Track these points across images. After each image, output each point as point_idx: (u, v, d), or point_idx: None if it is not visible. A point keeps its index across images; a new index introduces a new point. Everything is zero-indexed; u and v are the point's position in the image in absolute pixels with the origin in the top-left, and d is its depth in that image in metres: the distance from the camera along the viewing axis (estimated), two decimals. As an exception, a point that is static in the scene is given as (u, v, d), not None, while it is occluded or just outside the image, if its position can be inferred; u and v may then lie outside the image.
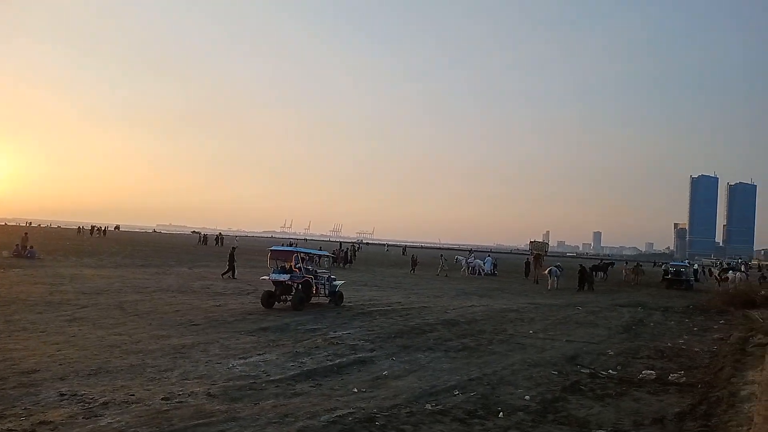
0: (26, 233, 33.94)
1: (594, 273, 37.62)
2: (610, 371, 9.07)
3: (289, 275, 15.17)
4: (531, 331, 13.01)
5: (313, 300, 15.89)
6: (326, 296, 16.17)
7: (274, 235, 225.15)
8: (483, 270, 38.37)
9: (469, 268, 38.23)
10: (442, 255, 42.94)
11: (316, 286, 15.87)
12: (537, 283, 33.89)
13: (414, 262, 38.15)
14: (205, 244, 68.12)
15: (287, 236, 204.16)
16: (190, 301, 15.33)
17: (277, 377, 7.61)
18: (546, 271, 30.75)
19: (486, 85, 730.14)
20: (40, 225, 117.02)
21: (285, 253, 16.68)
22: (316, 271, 16.66)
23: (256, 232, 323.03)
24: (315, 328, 11.82)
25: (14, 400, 6.06)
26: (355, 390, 7.19)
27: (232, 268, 24.52)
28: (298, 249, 17.81)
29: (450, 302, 18.86)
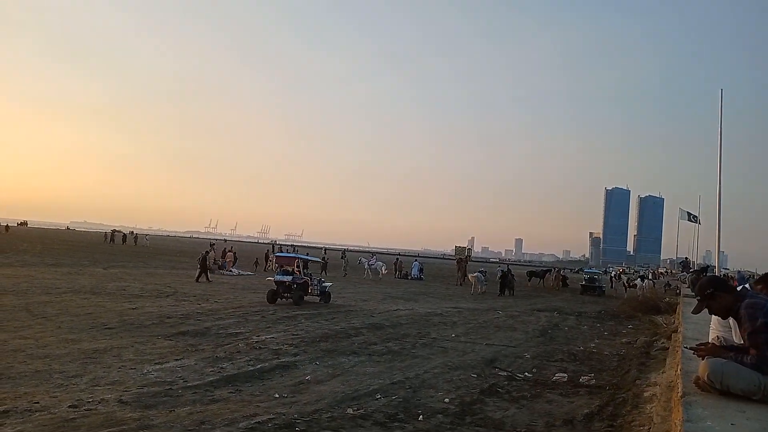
0: None
1: (530, 278, 39.99)
2: (526, 374, 9.44)
3: (291, 277, 17.96)
4: (453, 335, 13.32)
5: (306, 298, 18.16)
6: (317, 295, 18.73)
7: (198, 236, 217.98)
8: (382, 272, 38.05)
9: (370, 270, 38.22)
10: (344, 256, 43.13)
11: (310, 286, 18.51)
12: (460, 285, 34.84)
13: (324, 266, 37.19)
14: (113, 242, 64.28)
15: (211, 236, 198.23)
16: (104, 303, 14.59)
17: (195, 383, 7.37)
18: (472, 276, 31.70)
19: (419, 93, 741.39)
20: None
21: (288, 258, 20.77)
22: (310, 274, 19.80)
23: (179, 232, 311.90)
24: (237, 332, 11.55)
25: None
26: (277, 395, 7.09)
27: (204, 272, 24.49)
28: (298, 255, 21.61)
29: (376, 306, 18.98)
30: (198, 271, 24.78)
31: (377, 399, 7.17)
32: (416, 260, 44.52)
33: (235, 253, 35.13)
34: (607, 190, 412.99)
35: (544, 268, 49.45)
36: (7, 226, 72.99)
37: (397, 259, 45.85)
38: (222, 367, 8.40)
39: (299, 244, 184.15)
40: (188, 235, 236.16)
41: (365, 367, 9.19)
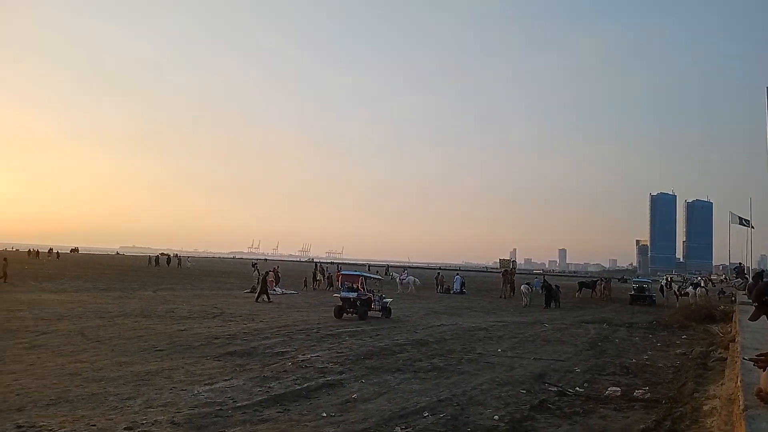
0: (5, 258, 32.73)
1: (580, 289, 39.19)
2: (578, 389, 9.19)
3: (355, 293, 19.14)
4: (499, 350, 13.11)
5: (370, 313, 19.11)
6: (379, 310, 19.64)
7: (242, 256, 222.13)
8: (413, 287, 37.76)
9: (401, 285, 37.90)
10: (387, 272, 43.11)
11: (372, 302, 19.53)
12: (504, 298, 34.34)
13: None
14: (158, 265, 65.67)
15: (254, 256, 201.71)
16: (154, 326, 14.97)
17: (244, 403, 7.47)
18: (523, 287, 31.26)
19: (447, 107, 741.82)
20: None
21: (352, 276, 21.37)
22: (372, 290, 20.56)
23: (223, 253, 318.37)
24: (283, 351, 11.67)
25: (-34, 434, 5.80)
26: (324, 414, 7.11)
27: (264, 291, 25.29)
28: (362, 273, 22.59)
29: (419, 321, 18.88)
30: (258, 291, 25.66)
31: (425, 417, 7.10)
32: (457, 274, 44.16)
33: (277, 273, 35.58)
34: (652, 195, 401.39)
35: (594, 279, 48.19)
36: (57, 253, 75.64)
37: (438, 273, 45.64)
38: (270, 387, 8.48)
39: (340, 261, 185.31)
40: (231, 256, 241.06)
41: (411, 384, 9.13)
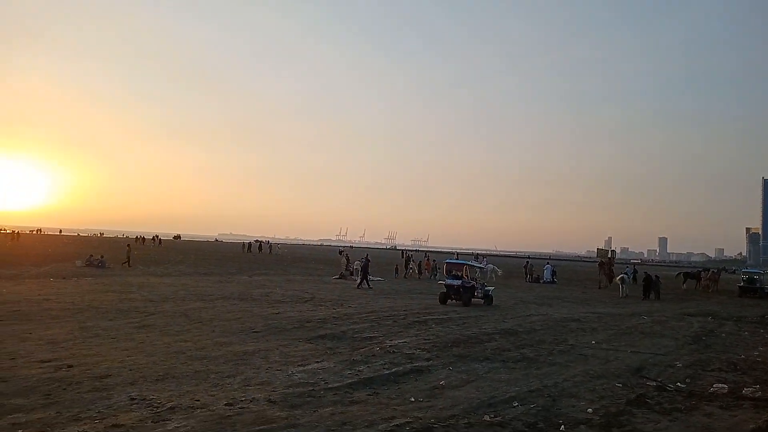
0: (129, 245, 36.83)
1: (684, 280, 37.03)
2: (679, 384, 8.68)
3: (460, 281, 19.86)
4: (593, 342, 12.62)
5: (473, 300, 19.83)
6: (481, 298, 20.33)
7: (330, 244, 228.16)
8: (494, 276, 36.56)
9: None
10: (411, 257, 41.40)
11: (476, 290, 20.20)
12: (600, 289, 32.96)
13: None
14: (250, 251, 68.78)
15: (342, 244, 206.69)
16: (251, 309, 15.74)
17: (335, 385, 7.70)
18: (618, 279, 29.90)
19: (536, 89, 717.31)
20: (100, 234, 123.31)
21: (457, 265, 21.77)
22: (476, 279, 21.29)
23: (313, 240, 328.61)
24: (371, 336, 11.88)
25: (89, 403, 6.39)
26: (413, 399, 7.18)
27: (365, 278, 26.37)
28: (466, 262, 23.13)
29: (507, 311, 18.56)
30: (360, 278, 26.63)
31: (514, 407, 6.99)
32: (548, 263, 42.86)
33: (368, 259, 36.18)
34: (765, 180, 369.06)
35: (699, 269, 45.08)
36: (159, 239, 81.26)
37: (527, 262, 44.50)
38: (359, 370, 8.68)
39: (425, 249, 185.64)
40: (319, 243, 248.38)
41: (499, 373, 9.01)
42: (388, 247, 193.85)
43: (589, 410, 6.93)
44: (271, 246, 75.60)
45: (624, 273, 31.57)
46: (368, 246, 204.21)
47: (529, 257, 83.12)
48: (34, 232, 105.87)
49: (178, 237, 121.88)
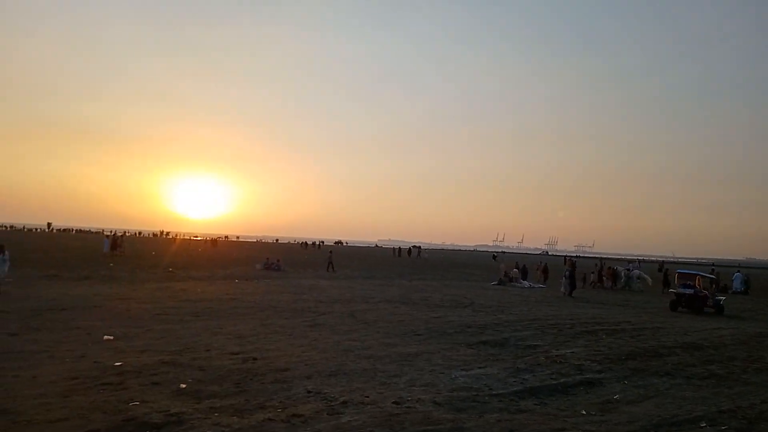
0: (330, 251, 41.01)
1: None
2: None
3: (692, 290, 20.91)
4: (800, 362, 10.89)
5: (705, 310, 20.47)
6: (712, 307, 20.72)
7: (485, 249, 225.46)
8: (640, 283, 32.59)
9: (623, 280, 32.97)
10: (575, 263, 37.53)
11: (707, 300, 20.84)
12: None
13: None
14: (399, 255, 72.25)
15: (498, 249, 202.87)
16: (411, 312, 16.08)
17: (500, 391, 7.54)
18: None
19: (721, 79, 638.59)
20: (276, 240, 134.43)
21: (689, 275, 22.55)
22: (707, 289, 21.92)
23: (468, 246, 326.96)
24: (535, 345, 11.46)
25: (272, 393, 6.98)
26: (584, 412, 6.78)
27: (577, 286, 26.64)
28: (698, 273, 23.45)
29: (690, 323, 16.76)
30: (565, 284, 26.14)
31: (702, 427, 6.29)
32: (738, 271, 38.03)
33: (524, 266, 35.20)
34: None
35: None
36: (320, 244, 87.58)
37: (713, 269, 39.87)
38: (524, 378, 8.41)
39: (590, 255, 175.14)
40: (473, 249, 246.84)
41: (683, 390, 8.16)
42: (551, 253, 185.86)
43: (800, 440, 5.99)
44: (419, 250, 78.02)
45: None
46: (526, 252, 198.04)
47: (713, 265, 74.82)
48: (221, 239, 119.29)
49: (339, 243, 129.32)
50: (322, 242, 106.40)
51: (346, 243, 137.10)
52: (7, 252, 16.86)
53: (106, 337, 10.35)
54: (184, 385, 7.14)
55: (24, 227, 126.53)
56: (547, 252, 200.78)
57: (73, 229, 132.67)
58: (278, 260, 36.16)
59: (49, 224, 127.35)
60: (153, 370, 7.92)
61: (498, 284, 30.84)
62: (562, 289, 26.19)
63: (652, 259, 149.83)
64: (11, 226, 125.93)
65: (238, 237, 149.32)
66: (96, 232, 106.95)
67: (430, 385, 7.72)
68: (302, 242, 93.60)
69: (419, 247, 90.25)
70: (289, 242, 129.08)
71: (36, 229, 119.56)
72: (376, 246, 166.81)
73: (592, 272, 34.86)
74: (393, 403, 6.71)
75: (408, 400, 6.85)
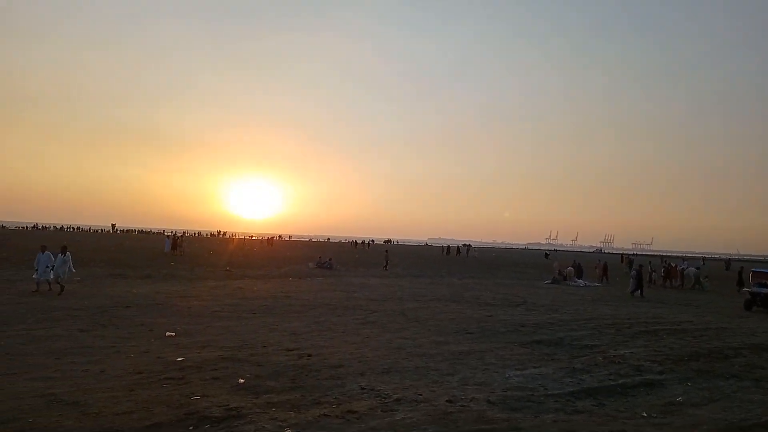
0: (386, 250, 41.93)
1: None
2: None
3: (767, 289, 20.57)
4: None
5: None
6: None
7: (537, 248, 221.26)
8: (696, 280, 30.92)
9: (692, 280, 31.20)
10: (632, 261, 35.34)
11: None
12: None
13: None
14: (449, 254, 71.01)
15: (551, 247, 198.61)
16: (463, 311, 15.97)
17: (555, 392, 7.41)
18: None
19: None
20: (327, 239, 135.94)
21: (765, 274, 21.98)
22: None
23: (520, 244, 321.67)
24: (592, 345, 11.18)
25: (326, 389, 7.09)
26: (644, 414, 6.57)
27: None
28: None
29: (759, 324, 15.97)
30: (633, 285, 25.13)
31: (775, 434, 5.98)
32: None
33: (579, 264, 34.35)
34: None
35: None
36: (368, 244, 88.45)
37: (780, 267, 37.76)
38: (581, 379, 8.23)
39: (648, 253, 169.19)
40: (524, 247, 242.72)
41: (751, 393, 7.80)
42: (606, 251, 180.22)
43: None
44: (468, 249, 77.30)
45: None
46: (580, 250, 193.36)
47: (684, 257, 71.89)
48: (277, 238, 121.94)
49: (388, 241, 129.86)
50: (372, 241, 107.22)
51: (397, 242, 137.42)
52: (68, 253, 17.66)
53: (168, 333, 10.77)
54: (242, 381, 7.35)
55: (90, 228, 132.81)
56: (601, 250, 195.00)
57: (135, 230, 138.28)
58: (330, 259, 36.63)
59: (113, 225, 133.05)
60: (213, 365, 8.19)
61: (551, 283, 30.24)
62: (630, 288, 25.36)
63: (716, 256, 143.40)
64: (78, 228, 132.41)
65: (290, 236, 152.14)
66: (157, 233, 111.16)
67: (484, 384, 7.66)
68: (353, 241, 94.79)
69: (469, 245, 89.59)
70: (340, 241, 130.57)
71: (101, 230, 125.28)
72: (426, 245, 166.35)
73: (654, 271, 33.72)
74: (446, 401, 6.70)
75: (461, 399, 6.82)
